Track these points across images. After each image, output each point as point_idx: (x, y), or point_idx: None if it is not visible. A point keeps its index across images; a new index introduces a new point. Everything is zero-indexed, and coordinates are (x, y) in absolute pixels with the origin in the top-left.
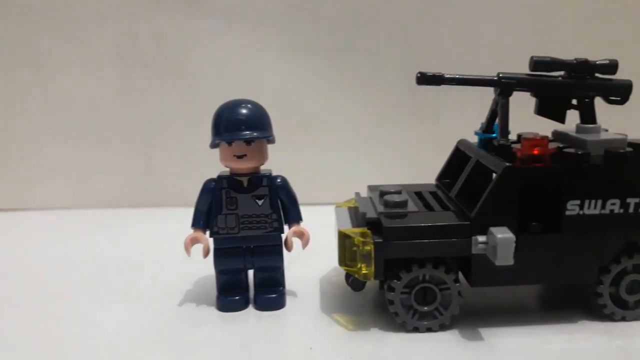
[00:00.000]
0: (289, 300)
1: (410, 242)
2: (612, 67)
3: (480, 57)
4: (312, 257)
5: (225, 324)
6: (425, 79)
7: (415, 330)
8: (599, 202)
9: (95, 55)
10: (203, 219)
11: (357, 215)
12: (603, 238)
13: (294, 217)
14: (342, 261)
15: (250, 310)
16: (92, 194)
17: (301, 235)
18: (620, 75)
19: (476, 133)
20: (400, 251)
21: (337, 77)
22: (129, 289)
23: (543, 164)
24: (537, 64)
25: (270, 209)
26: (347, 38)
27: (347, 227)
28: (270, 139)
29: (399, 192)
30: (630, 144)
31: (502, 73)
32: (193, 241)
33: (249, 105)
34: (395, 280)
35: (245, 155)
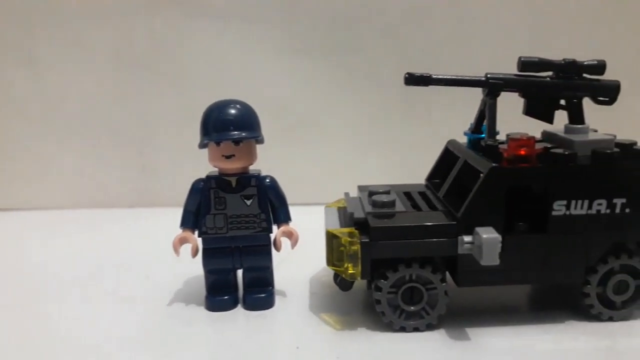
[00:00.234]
0: (278, 300)
1: (397, 242)
2: (600, 67)
3: (474, 58)
4: (302, 256)
5: (214, 323)
6: (413, 80)
7: (402, 329)
8: (586, 202)
9: (90, 55)
10: (192, 219)
11: (345, 215)
12: (590, 238)
13: (283, 217)
14: (330, 261)
15: (239, 310)
16: (86, 194)
17: (290, 235)
18: (614, 76)
19: (465, 133)
20: (387, 251)
21: (331, 77)
22: (119, 289)
23: (529, 164)
24: (525, 64)
25: (258, 208)
26: (342, 39)
27: (335, 227)
28: (259, 139)
29: (387, 192)
30: (618, 145)
31: (489, 74)
32: (182, 241)
33: (237, 106)
34: (382, 280)
35: (234, 155)
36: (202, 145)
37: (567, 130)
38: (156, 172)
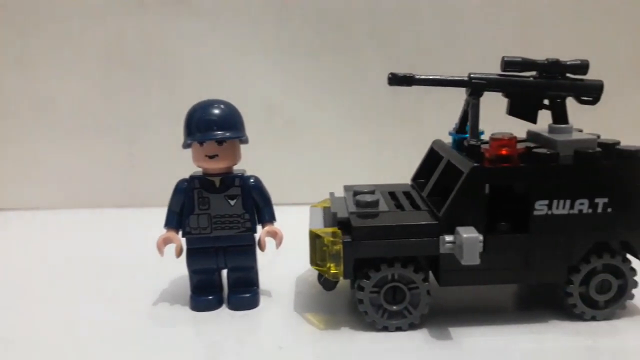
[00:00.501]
0: (263, 299)
1: (379, 241)
2: (583, 67)
3: (462, 57)
4: (289, 256)
5: (198, 323)
6: (396, 80)
7: (385, 329)
8: (568, 202)
9: (80, 55)
10: (176, 219)
11: (329, 215)
12: (572, 238)
13: (268, 216)
14: (313, 261)
15: (224, 309)
16: (75, 194)
17: (274, 235)
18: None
19: (450, 133)
20: (369, 250)
21: (320, 78)
22: (105, 289)
23: (511, 164)
24: (508, 64)
25: (242, 209)
26: (331, 40)
27: (319, 227)
28: (243, 139)
29: (371, 192)
30: (601, 145)
31: (473, 73)
32: (166, 241)
33: (220, 106)
34: (364, 280)
35: (217, 155)
36: (186, 146)
37: (550, 130)
38: (145, 172)
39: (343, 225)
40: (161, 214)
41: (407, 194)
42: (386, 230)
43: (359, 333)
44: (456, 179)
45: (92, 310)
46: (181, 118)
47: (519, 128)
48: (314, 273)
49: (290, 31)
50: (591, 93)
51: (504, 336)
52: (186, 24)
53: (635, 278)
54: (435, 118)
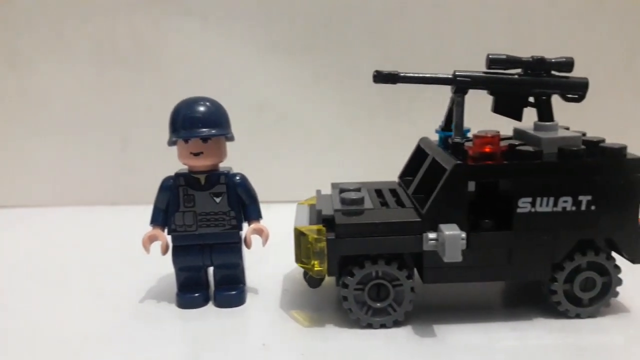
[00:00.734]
0: (249, 297)
1: (363, 238)
2: (568, 64)
3: (454, 54)
4: (277, 254)
5: (183, 320)
6: (381, 78)
7: (369, 326)
8: (551, 199)
9: (72, 52)
10: (161, 217)
11: (315, 213)
12: (555, 236)
13: (253, 214)
14: (298, 258)
15: (210, 307)
16: (67, 192)
17: (260, 232)
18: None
19: (436, 131)
20: (353, 248)
21: (312, 75)
22: (93, 286)
23: (494, 161)
24: (493, 61)
25: (228, 206)
26: (322, 36)
27: (304, 225)
28: (229, 137)
29: (357, 190)
30: (585, 142)
31: (457, 71)
32: (151, 239)
33: (206, 103)
34: (348, 277)
35: (202, 152)
36: (171, 143)
37: (536, 127)
38: (138, 170)
39: (328, 222)
40: None
41: (393, 192)
42: (370, 228)
43: (344, 330)
44: (440, 176)
45: (79, 307)
46: None
47: (508, 126)
48: (301, 270)
49: (281, 28)
50: (576, 90)
51: (488, 333)
52: (178, 22)
53: (620, 276)
54: (427, 115)
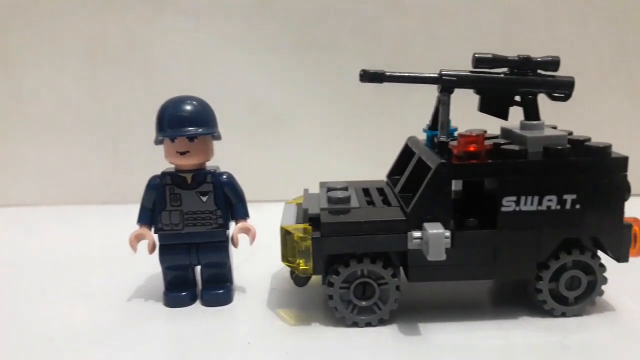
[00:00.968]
0: (237, 296)
1: (348, 237)
2: (554, 63)
3: (447, 53)
4: (267, 253)
5: (170, 319)
6: (367, 77)
7: (355, 325)
8: (536, 198)
9: (63, 52)
10: (148, 216)
11: (302, 212)
12: (540, 234)
13: (240, 213)
14: (284, 257)
15: (198, 305)
16: (59, 191)
17: (247, 231)
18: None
19: (424, 130)
20: (338, 246)
21: (304, 74)
22: (81, 285)
23: (478, 160)
24: (479, 60)
25: (214, 205)
26: (315, 36)
27: (290, 223)
28: (215, 136)
29: (344, 189)
30: (571, 141)
31: (443, 70)
32: (138, 237)
33: (193, 102)
34: (334, 276)
35: (188, 151)
36: (158, 142)
37: (522, 126)
38: (129, 169)
39: (314, 221)
40: None
41: (380, 191)
42: (355, 226)
43: (329, 329)
44: (426, 175)
45: (67, 306)
46: None
47: (497, 125)
48: (288, 269)
49: (273, 27)
50: (562, 89)
51: (474, 332)
52: (170, 20)
53: (605, 274)
54: (418, 114)
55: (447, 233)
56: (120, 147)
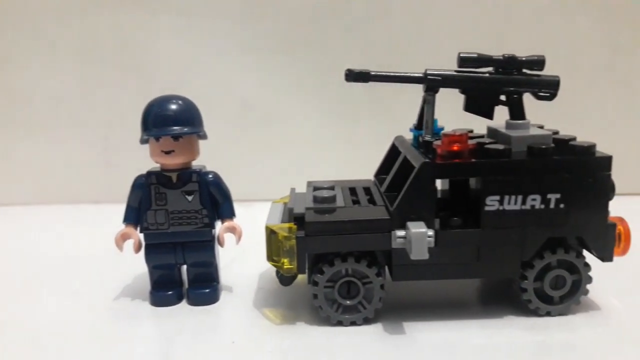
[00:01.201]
0: (224, 295)
1: (332, 236)
2: (539, 62)
3: (437, 53)
4: (254, 252)
5: (156, 318)
6: (352, 76)
7: (340, 323)
8: (519, 197)
9: (55, 51)
10: (134, 215)
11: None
12: (524, 234)
13: (226, 212)
14: (269, 256)
15: (184, 305)
16: (49, 190)
17: (233, 230)
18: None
19: (411, 130)
20: (322, 246)
21: (295, 74)
22: (69, 284)
23: (462, 159)
24: (464, 60)
25: (200, 204)
26: (306, 35)
27: (275, 223)
28: (201, 135)
29: (330, 188)
30: (556, 140)
31: (429, 70)
32: (124, 237)
33: (178, 101)
34: (318, 275)
35: (173, 150)
36: (143, 141)
37: (507, 125)
38: (120, 168)
39: (298, 220)
40: None
41: (367, 190)
42: (339, 226)
43: (314, 328)
44: (410, 174)
45: (53, 305)
46: None
47: (482, 124)
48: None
49: (264, 27)
50: (548, 88)
51: (458, 331)
52: (161, 20)
53: (590, 273)
54: (409, 114)
55: (430, 232)
56: (112, 146)
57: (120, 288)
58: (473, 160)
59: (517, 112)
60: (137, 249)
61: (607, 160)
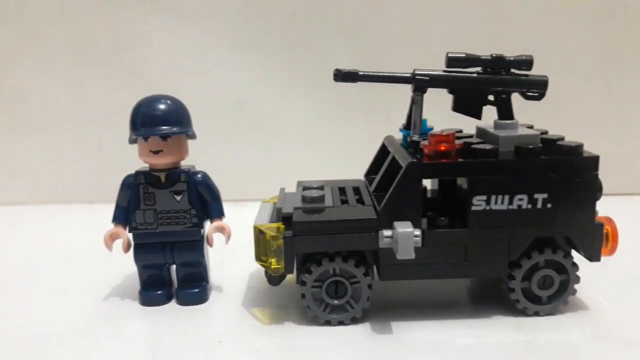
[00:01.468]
0: (213, 294)
1: (320, 236)
2: (527, 62)
3: (431, 53)
4: (245, 252)
5: (144, 318)
6: (340, 76)
7: (327, 323)
8: (506, 197)
9: (49, 51)
10: (123, 215)
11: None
12: (511, 233)
13: (215, 212)
14: (258, 256)
15: (173, 304)
16: (44, 190)
17: (222, 230)
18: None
19: (400, 129)
20: (310, 245)
21: (289, 73)
22: (60, 283)
23: (449, 159)
24: (452, 60)
25: (189, 204)
26: (299, 34)
27: (264, 222)
28: (190, 135)
29: (319, 188)
30: (543, 140)
31: (417, 70)
32: (113, 237)
33: (167, 101)
34: (306, 274)
35: (162, 150)
36: (131, 141)
37: (495, 125)
38: (115, 168)
39: (286, 220)
40: None
41: (356, 190)
42: (327, 225)
43: (302, 327)
44: (397, 174)
45: (43, 305)
46: None
47: (472, 124)
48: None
49: (257, 26)
50: (536, 88)
51: (446, 331)
52: (154, 20)
53: (578, 273)
54: (401, 114)
55: (417, 232)
56: (106, 146)
57: (110, 287)
58: (460, 160)
59: (505, 112)
60: (126, 249)
61: (594, 160)
